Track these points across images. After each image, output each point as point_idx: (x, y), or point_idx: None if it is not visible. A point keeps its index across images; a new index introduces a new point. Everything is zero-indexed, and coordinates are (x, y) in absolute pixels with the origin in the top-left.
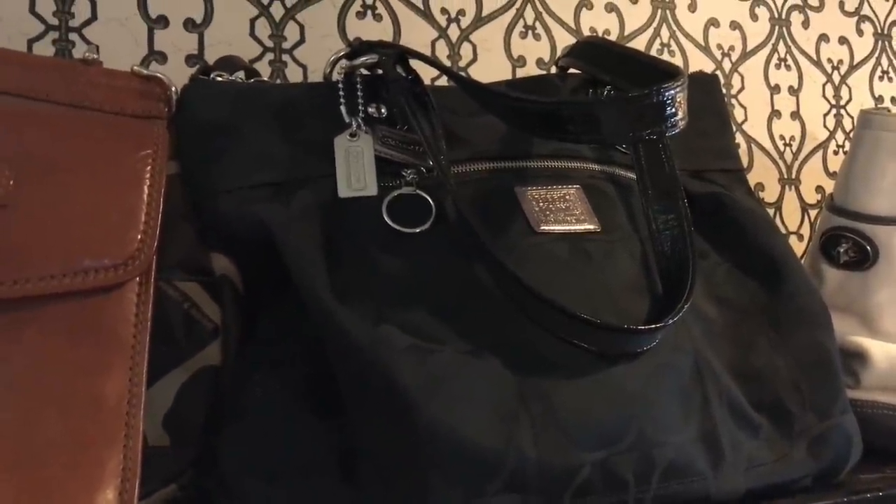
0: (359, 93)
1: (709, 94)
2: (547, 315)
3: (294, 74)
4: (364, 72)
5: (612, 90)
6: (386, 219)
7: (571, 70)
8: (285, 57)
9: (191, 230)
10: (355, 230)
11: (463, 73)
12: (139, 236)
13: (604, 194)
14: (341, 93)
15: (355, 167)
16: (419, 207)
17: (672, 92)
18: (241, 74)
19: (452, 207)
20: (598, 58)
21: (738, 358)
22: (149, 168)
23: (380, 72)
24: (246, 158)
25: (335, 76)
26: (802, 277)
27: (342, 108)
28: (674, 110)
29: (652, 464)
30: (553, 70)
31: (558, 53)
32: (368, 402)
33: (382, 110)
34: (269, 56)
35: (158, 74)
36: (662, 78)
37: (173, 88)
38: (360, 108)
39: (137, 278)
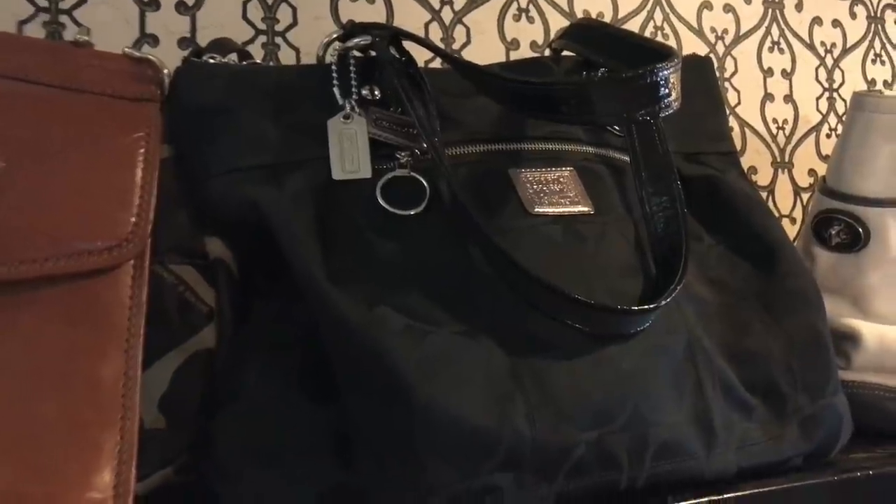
0: (352, 75)
1: (702, 76)
2: (541, 295)
3: (287, 57)
4: (357, 54)
5: (605, 72)
6: (380, 201)
7: (565, 52)
8: (278, 39)
9: (185, 214)
10: (349, 213)
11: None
12: (133, 219)
13: (597, 176)
14: (335, 75)
15: (349, 149)
16: (413, 189)
17: (665, 73)
18: (233, 57)
19: (447, 189)
20: (592, 40)
21: (731, 339)
22: (142, 150)
23: (373, 53)
24: (239, 141)
25: (328, 58)
26: (795, 260)
27: (335, 91)
28: (667, 91)
29: (645, 443)
30: (547, 52)
31: (552, 36)
32: (363, 384)
33: (376, 92)
34: (262, 38)
35: (150, 57)
36: (656, 59)
37: (165, 71)
38: (353, 90)
39: (132, 261)
